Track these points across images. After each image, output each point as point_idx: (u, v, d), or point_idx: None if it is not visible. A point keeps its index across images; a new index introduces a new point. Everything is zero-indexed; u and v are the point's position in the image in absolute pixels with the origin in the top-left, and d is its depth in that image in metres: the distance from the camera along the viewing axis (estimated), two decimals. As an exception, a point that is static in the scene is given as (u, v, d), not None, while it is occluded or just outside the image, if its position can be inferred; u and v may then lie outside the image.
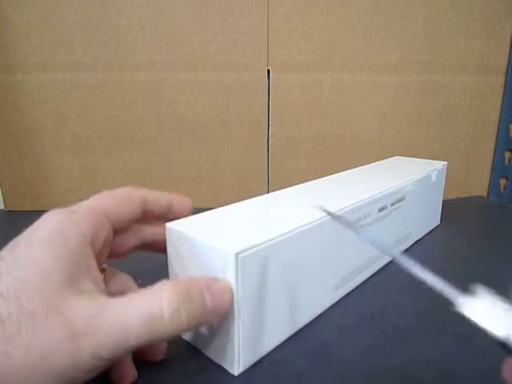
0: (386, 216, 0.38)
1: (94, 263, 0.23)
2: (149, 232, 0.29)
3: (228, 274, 0.23)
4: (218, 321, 0.24)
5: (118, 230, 0.27)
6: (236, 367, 0.25)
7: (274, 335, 0.28)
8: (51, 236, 0.21)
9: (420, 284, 0.37)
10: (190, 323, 0.21)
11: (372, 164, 0.49)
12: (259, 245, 0.24)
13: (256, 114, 0.60)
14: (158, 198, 0.29)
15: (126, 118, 0.59)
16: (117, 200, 0.26)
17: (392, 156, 0.54)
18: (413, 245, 0.46)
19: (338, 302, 0.34)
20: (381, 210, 0.36)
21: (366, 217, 0.34)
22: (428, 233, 0.50)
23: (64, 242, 0.21)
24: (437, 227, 0.52)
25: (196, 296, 0.22)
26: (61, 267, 0.20)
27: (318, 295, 0.32)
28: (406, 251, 0.44)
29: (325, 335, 0.30)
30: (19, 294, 0.19)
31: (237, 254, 0.23)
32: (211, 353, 0.27)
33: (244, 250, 0.23)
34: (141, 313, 0.20)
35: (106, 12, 0.55)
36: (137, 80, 0.58)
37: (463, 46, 0.60)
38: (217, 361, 0.26)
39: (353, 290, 0.36)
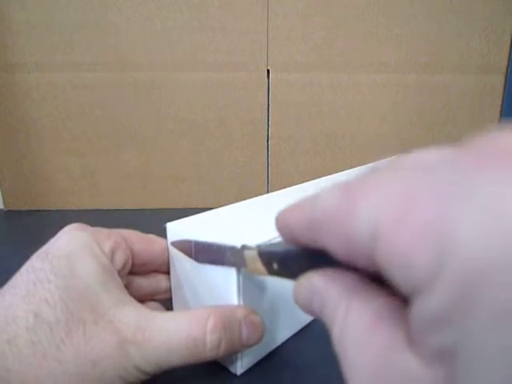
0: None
1: (118, 279, 0.23)
2: (165, 284, 0.29)
3: (230, 275, 0.23)
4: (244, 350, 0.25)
5: (140, 270, 0.27)
6: (238, 367, 0.25)
7: (276, 335, 0.28)
8: (84, 253, 0.22)
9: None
10: (226, 352, 0.22)
11: (372, 164, 0.49)
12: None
13: (256, 113, 0.60)
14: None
15: (126, 117, 0.59)
16: (140, 236, 0.27)
17: (392, 156, 0.54)
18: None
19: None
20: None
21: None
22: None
23: (96, 259, 0.22)
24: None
25: (235, 328, 0.22)
26: (100, 280, 0.21)
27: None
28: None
29: (326, 335, 0.30)
30: (66, 301, 0.19)
31: None
32: None
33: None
34: (186, 335, 0.21)
35: (106, 12, 0.55)
36: (136, 80, 0.58)
37: (463, 45, 0.60)
38: (219, 360, 0.26)
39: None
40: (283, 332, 0.29)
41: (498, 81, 0.62)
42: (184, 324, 0.21)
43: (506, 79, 0.61)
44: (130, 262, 0.25)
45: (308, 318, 0.31)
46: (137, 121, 0.59)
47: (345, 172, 0.44)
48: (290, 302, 0.28)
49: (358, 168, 0.46)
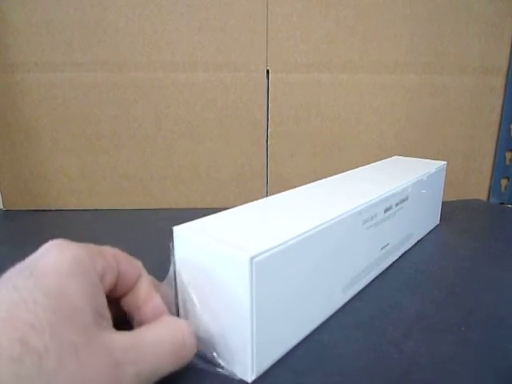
0: (391, 216, 0.38)
1: (105, 301, 0.22)
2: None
3: (242, 279, 0.23)
4: None
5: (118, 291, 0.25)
6: (249, 374, 0.25)
7: (287, 340, 0.28)
8: (74, 269, 0.20)
9: (420, 284, 0.38)
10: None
11: (373, 164, 0.49)
12: (273, 248, 0.24)
13: (255, 113, 0.60)
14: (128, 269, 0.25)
15: (125, 117, 0.59)
16: (124, 256, 0.25)
17: (391, 156, 0.55)
18: (413, 244, 0.46)
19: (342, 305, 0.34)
20: (386, 210, 0.37)
21: (372, 218, 0.34)
22: (428, 232, 0.50)
23: (87, 278, 0.20)
24: (436, 227, 0.52)
25: None
26: (88, 302, 0.20)
27: (328, 298, 0.32)
28: (408, 251, 0.45)
29: (330, 338, 0.30)
30: (55, 325, 0.17)
31: (252, 259, 0.23)
32: (224, 360, 0.26)
33: (258, 255, 0.23)
34: (169, 342, 0.22)
35: (106, 12, 0.55)
36: (136, 80, 0.58)
37: (463, 46, 0.60)
38: (230, 368, 0.26)
39: (358, 293, 0.36)
40: (294, 337, 0.29)
41: (497, 82, 0.62)
42: (166, 333, 0.23)
43: (507, 80, 0.62)
44: (114, 283, 0.24)
45: (317, 323, 0.31)
46: (136, 120, 0.59)
47: (348, 172, 0.44)
48: (301, 306, 0.29)
49: (357, 168, 0.47)
